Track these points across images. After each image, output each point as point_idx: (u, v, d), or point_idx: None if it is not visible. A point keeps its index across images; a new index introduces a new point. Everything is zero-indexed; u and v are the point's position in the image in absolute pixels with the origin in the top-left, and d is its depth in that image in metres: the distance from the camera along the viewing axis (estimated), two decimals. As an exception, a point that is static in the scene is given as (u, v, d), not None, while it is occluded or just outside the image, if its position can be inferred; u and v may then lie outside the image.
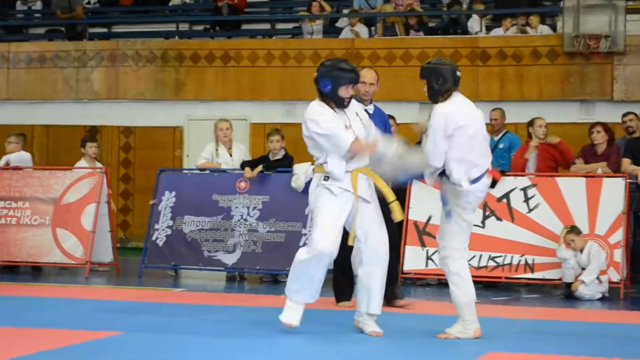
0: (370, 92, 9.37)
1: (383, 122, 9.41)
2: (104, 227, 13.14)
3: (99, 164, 13.95)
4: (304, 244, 10.26)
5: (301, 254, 7.53)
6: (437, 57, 7.72)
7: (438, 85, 7.35)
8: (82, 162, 13.83)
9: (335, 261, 8.15)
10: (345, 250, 8.26)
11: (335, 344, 7.11)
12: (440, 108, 7.32)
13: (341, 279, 9.62)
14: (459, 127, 7.24)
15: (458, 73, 7.43)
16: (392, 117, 12.15)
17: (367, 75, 9.34)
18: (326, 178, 7.54)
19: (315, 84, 7.64)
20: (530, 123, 12.68)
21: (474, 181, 7.31)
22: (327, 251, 7.43)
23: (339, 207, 7.49)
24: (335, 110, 7.60)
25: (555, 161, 12.63)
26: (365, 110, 9.11)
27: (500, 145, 13.05)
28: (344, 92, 7.52)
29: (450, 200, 7.42)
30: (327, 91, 7.54)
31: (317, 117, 7.59)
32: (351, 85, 7.57)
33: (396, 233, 9.47)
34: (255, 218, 12.32)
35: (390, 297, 9.33)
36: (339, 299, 9.64)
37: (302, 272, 7.51)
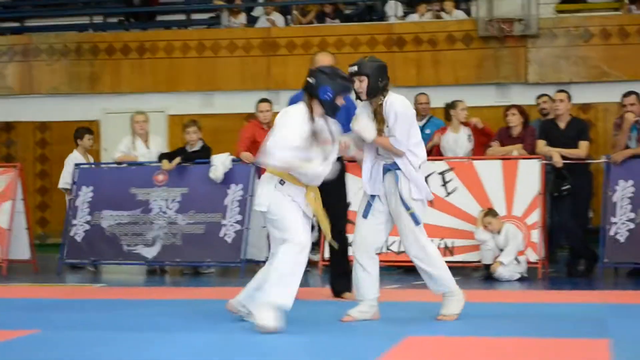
0: None
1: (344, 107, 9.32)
2: (21, 224, 12.94)
3: (91, 158, 13.76)
4: (223, 236, 10.09)
5: (288, 256, 7.29)
6: (361, 58, 7.66)
7: (380, 82, 7.46)
8: (75, 154, 13.58)
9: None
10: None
11: (249, 334, 7.07)
12: (396, 99, 7.50)
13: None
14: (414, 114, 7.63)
15: None
16: None
17: (325, 59, 9.11)
18: (282, 182, 7.40)
19: (311, 88, 7.41)
20: (452, 106, 12.72)
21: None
22: (309, 243, 7.39)
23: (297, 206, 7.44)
24: (319, 117, 7.45)
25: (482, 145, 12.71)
26: None
27: (427, 131, 13.08)
28: (340, 100, 7.47)
29: (406, 196, 7.50)
30: (327, 98, 7.37)
31: (294, 126, 7.37)
32: (344, 95, 7.52)
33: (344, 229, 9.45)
34: (174, 210, 12.23)
35: (338, 289, 9.32)
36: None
37: (290, 273, 7.30)
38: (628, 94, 11.50)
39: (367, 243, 7.70)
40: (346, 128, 8.49)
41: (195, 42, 17.41)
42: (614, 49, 15.89)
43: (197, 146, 12.52)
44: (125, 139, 12.92)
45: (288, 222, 7.36)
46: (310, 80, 7.43)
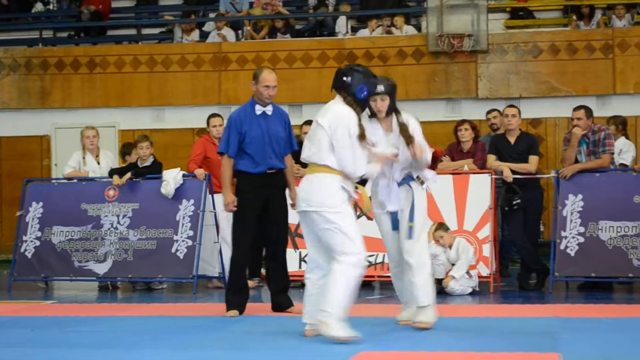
0: (273, 95, 9.28)
1: (283, 121, 9.43)
2: (-30, 240, 12.83)
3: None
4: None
5: (351, 271, 7.40)
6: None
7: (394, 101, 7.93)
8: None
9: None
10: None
11: (202, 350, 7.06)
12: (409, 116, 8.01)
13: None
14: None
15: None
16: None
17: (270, 78, 9.25)
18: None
19: (347, 86, 7.55)
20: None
21: None
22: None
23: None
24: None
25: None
26: (264, 111, 9.27)
27: None
28: (372, 102, 7.83)
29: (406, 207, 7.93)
30: (362, 97, 7.58)
31: (352, 131, 7.47)
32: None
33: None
34: (126, 226, 12.16)
35: (285, 304, 9.44)
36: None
37: (351, 287, 7.42)
38: (577, 109, 11.59)
39: (399, 254, 8.09)
40: (282, 133, 9.22)
41: (146, 57, 17.37)
42: (562, 65, 16.07)
43: (149, 161, 12.46)
44: (75, 154, 12.82)
45: (350, 231, 7.46)
46: (345, 79, 7.56)
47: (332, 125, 7.47)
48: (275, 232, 9.42)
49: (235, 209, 9.24)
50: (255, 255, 12.51)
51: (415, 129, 7.94)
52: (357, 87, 7.54)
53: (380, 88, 7.81)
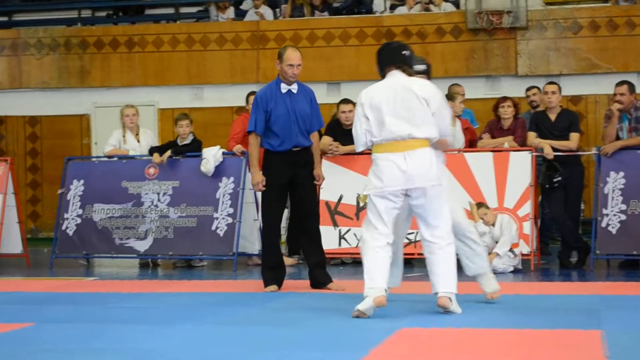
0: (297, 73, 9.35)
1: (308, 99, 9.49)
2: (12, 218, 12.91)
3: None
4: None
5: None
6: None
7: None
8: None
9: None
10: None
11: (242, 326, 7.09)
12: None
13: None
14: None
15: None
16: (350, 101, 12.15)
17: (294, 56, 9.31)
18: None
19: (407, 61, 7.63)
20: (450, 98, 12.67)
21: None
22: None
23: None
24: None
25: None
26: (289, 90, 9.35)
27: None
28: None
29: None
30: (423, 70, 7.79)
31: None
32: None
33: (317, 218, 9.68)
34: (166, 204, 12.22)
35: (324, 280, 9.44)
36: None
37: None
38: (620, 84, 11.47)
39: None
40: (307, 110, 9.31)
41: (184, 35, 17.40)
42: (603, 41, 15.93)
43: (188, 139, 12.50)
44: (115, 133, 12.89)
45: (446, 208, 7.58)
46: (405, 52, 7.62)
47: (426, 96, 7.44)
48: (304, 208, 9.45)
49: (264, 188, 9.29)
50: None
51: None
52: (415, 61, 7.66)
53: (422, 67, 7.81)
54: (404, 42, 8.09)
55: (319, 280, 9.43)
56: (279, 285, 9.35)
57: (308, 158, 9.48)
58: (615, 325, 6.82)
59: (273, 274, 9.37)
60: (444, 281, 7.44)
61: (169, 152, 12.28)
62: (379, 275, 7.37)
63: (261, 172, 9.30)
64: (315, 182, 9.60)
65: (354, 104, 12.26)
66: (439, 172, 7.49)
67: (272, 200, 9.33)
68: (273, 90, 9.36)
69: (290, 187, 9.39)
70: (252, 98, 12.39)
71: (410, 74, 7.61)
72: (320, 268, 9.49)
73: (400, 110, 7.44)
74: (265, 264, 9.49)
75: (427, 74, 7.87)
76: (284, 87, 9.33)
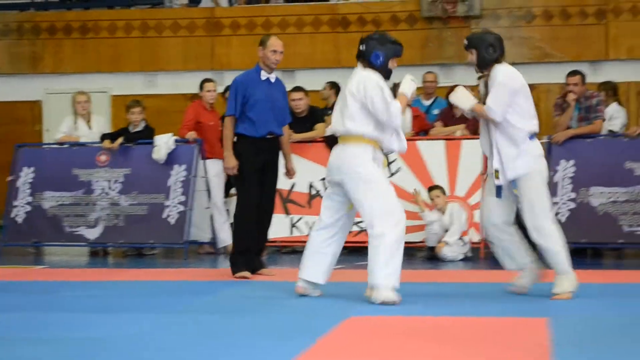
0: (280, 60, 9.44)
1: (283, 91, 9.66)
2: (-39, 206, 12.80)
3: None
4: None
5: (390, 236, 7.42)
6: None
7: (490, 54, 7.76)
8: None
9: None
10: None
11: (191, 314, 7.06)
12: (501, 69, 7.76)
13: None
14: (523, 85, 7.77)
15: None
16: (302, 89, 12.20)
17: (278, 43, 9.41)
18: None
19: (363, 55, 7.65)
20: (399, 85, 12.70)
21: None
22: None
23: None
24: None
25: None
26: (268, 78, 9.40)
27: (435, 111, 13.10)
28: (392, 64, 7.70)
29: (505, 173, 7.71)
30: (379, 63, 7.62)
31: (381, 84, 7.57)
32: (396, 58, 7.73)
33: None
34: (117, 191, 12.15)
35: (257, 266, 9.48)
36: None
37: (397, 253, 7.45)
38: (573, 74, 11.55)
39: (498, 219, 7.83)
40: (282, 101, 9.42)
41: (138, 22, 17.27)
42: (556, 30, 16.00)
43: (140, 126, 12.44)
44: (67, 119, 12.79)
45: (385, 194, 7.65)
46: (361, 47, 7.67)
47: (359, 88, 7.53)
48: (265, 196, 9.46)
49: (236, 173, 9.32)
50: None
51: (494, 85, 7.79)
52: (371, 53, 7.60)
53: (464, 42, 7.91)
54: (382, 31, 8.03)
55: (255, 266, 9.51)
56: (251, 270, 9.36)
57: (278, 147, 9.57)
58: (561, 313, 6.88)
59: (244, 259, 9.37)
60: (369, 274, 7.46)
61: (120, 139, 12.21)
62: (306, 262, 7.79)
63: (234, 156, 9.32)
64: (287, 175, 9.79)
65: (305, 91, 12.27)
66: (355, 166, 7.54)
67: (250, 184, 9.34)
68: (252, 77, 9.41)
69: (261, 173, 9.40)
70: (208, 85, 12.40)
71: (366, 67, 7.66)
72: (259, 254, 9.63)
73: (342, 106, 7.68)
74: (236, 249, 9.45)
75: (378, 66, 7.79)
76: (263, 75, 9.38)
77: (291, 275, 9.49)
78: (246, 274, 9.29)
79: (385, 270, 7.34)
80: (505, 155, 7.62)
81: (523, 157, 7.60)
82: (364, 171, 7.54)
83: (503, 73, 7.69)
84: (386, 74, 7.68)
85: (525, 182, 7.58)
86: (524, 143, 7.62)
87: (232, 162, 9.32)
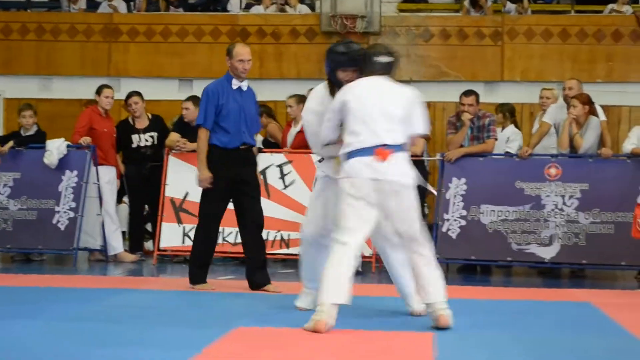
0: (248, 69, 9.17)
1: (255, 100, 9.43)
2: None
3: None
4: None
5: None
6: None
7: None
8: None
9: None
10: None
11: (75, 322, 6.97)
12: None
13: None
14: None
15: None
16: (192, 98, 12.13)
17: (244, 52, 9.13)
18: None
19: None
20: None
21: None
22: None
23: None
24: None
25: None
26: (240, 87, 9.15)
27: None
28: (343, 75, 7.34)
29: None
30: (327, 73, 7.50)
31: (309, 105, 7.67)
32: (350, 69, 7.35)
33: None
34: (6, 195, 11.93)
35: (261, 281, 9.20)
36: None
37: None
38: (468, 94, 11.74)
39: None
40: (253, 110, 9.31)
41: (34, 24, 17.01)
42: (452, 50, 16.21)
43: (32, 130, 12.26)
44: (-43, 121, 12.56)
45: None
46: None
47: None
48: (253, 208, 9.19)
49: (210, 186, 9.04)
50: (138, 229, 12.46)
51: None
52: (325, 65, 7.53)
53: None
54: (348, 40, 7.88)
55: (259, 281, 9.17)
56: (255, 287, 9.11)
57: (253, 157, 9.46)
58: (448, 328, 6.95)
59: (203, 272, 9.16)
60: None
61: (11, 143, 12.01)
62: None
63: (207, 169, 9.06)
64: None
65: (195, 101, 12.21)
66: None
67: (215, 197, 9.08)
68: (224, 86, 9.14)
69: (238, 186, 9.12)
70: (106, 91, 12.25)
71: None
72: (263, 269, 9.24)
73: None
74: (195, 262, 9.21)
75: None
76: (235, 84, 9.13)
77: (181, 284, 9.45)
78: (207, 286, 9.08)
79: None
80: None
81: None
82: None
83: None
84: (336, 83, 7.41)
85: None
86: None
87: (206, 173, 9.03)
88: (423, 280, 7.03)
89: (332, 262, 6.95)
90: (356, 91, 7.12)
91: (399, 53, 7.67)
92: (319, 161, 7.84)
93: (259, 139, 12.20)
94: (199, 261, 9.21)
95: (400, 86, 7.28)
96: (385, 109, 7.07)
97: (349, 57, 7.37)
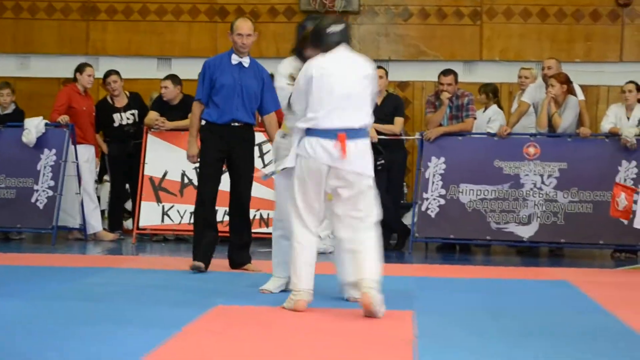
0: (248, 44, 8.89)
1: (260, 77, 9.03)
2: None
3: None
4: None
5: None
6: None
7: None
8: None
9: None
10: None
11: (53, 300, 6.96)
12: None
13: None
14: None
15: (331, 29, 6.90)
16: (170, 77, 12.10)
17: (243, 26, 8.88)
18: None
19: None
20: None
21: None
22: None
23: None
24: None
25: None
26: (240, 62, 8.90)
27: None
28: (307, 52, 7.02)
29: None
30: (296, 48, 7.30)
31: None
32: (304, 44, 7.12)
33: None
34: (-16, 175, 11.90)
35: (242, 260, 9.15)
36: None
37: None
38: (447, 74, 11.76)
39: None
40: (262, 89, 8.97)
41: (11, 2, 16.90)
42: (431, 29, 16.19)
43: (10, 109, 12.21)
44: None
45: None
46: None
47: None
48: (238, 188, 9.03)
49: (197, 161, 8.95)
50: (117, 208, 12.45)
51: None
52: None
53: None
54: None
55: (239, 261, 9.10)
56: (207, 262, 8.84)
57: (248, 136, 9.08)
58: (426, 306, 6.98)
59: (199, 250, 8.86)
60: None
61: (-12, 121, 11.97)
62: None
63: (197, 145, 8.92)
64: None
65: (174, 80, 12.20)
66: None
67: (206, 175, 8.89)
68: (223, 60, 8.96)
69: (228, 163, 8.98)
70: (88, 69, 12.26)
71: None
72: (245, 249, 9.14)
73: None
74: (195, 240, 8.99)
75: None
76: (234, 59, 8.90)
77: (161, 263, 9.46)
78: (198, 264, 8.76)
79: None
80: None
81: None
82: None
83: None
84: (300, 56, 7.20)
85: None
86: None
87: (194, 149, 8.92)
88: (360, 256, 6.82)
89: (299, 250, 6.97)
90: (322, 65, 6.79)
91: (347, 21, 7.45)
92: (282, 137, 7.50)
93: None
94: (194, 241, 9.04)
95: (361, 59, 6.97)
96: (351, 87, 6.81)
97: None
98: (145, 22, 16.49)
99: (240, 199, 9.06)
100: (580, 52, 15.77)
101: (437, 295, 7.69)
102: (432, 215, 11.39)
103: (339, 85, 6.77)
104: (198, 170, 9.09)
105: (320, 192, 6.85)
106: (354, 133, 6.76)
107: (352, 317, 6.47)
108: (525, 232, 11.29)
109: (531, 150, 11.41)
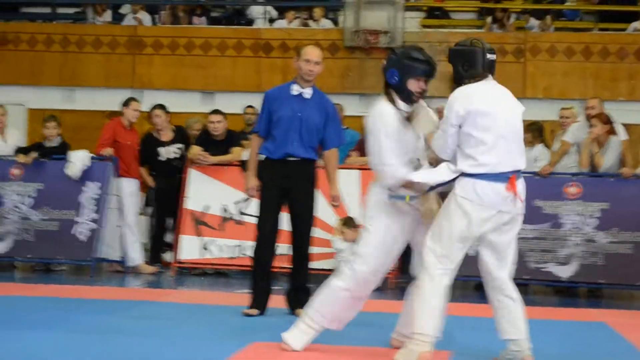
0: (315, 71, 8.37)
1: (323, 109, 8.53)
2: None
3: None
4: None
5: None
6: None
7: (464, 69, 6.46)
8: None
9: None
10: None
11: (91, 334, 7.02)
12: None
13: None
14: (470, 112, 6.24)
15: (490, 56, 6.39)
16: (220, 112, 12.18)
17: (313, 52, 8.38)
18: None
19: (383, 72, 6.63)
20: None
21: None
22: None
23: None
24: (400, 106, 6.63)
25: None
26: (301, 93, 8.42)
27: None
28: (414, 85, 6.60)
29: None
30: (393, 82, 6.54)
31: (379, 125, 6.64)
32: (424, 78, 6.63)
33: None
34: (29, 206, 12.01)
35: (297, 303, 8.49)
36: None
37: None
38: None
39: None
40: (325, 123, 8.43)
41: (59, 36, 17.15)
42: (475, 66, 16.20)
43: (55, 142, 12.35)
44: (-19, 132, 12.64)
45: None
46: (383, 63, 6.70)
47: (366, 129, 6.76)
48: (297, 226, 8.52)
49: (256, 194, 8.53)
50: (156, 241, 12.51)
51: None
52: (387, 71, 6.58)
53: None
54: (411, 46, 6.89)
55: (292, 304, 8.59)
56: (261, 307, 8.46)
57: (308, 172, 8.53)
58: (465, 347, 6.96)
59: (254, 294, 8.51)
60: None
61: (34, 153, 12.09)
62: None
63: (256, 178, 8.51)
64: (333, 203, 8.94)
65: (223, 114, 12.30)
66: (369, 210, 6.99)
67: (264, 211, 8.46)
68: (282, 91, 8.50)
69: (288, 201, 8.47)
70: (134, 104, 12.34)
71: (386, 92, 6.71)
72: (300, 292, 8.54)
73: None
74: (251, 285, 8.59)
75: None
76: (295, 89, 8.43)
77: (199, 297, 9.50)
78: (251, 311, 8.39)
79: None
80: None
81: None
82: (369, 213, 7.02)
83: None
84: (404, 95, 6.60)
85: None
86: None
87: (252, 182, 8.50)
88: (509, 316, 6.62)
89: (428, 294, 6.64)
90: (483, 99, 6.24)
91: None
92: (390, 197, 6.77)
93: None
94: (253, 284, 8.60)
95: (510, 94, 6.47)
96: (515, 124, 6.29)
97: (426, 64, 6.64)
98: (190, 56, 16.69)
99: (298, 241, 8.57)
100: (624, 90, 15.74)
101: (475, 336, 7.66)
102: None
103: (506, 121, 6.25)
104: (259, 205, 8.62)
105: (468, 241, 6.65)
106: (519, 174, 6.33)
107: (386, 355, 6.46)
108: (564, 272, 11.23)
109: (572, 189, 11.36)
